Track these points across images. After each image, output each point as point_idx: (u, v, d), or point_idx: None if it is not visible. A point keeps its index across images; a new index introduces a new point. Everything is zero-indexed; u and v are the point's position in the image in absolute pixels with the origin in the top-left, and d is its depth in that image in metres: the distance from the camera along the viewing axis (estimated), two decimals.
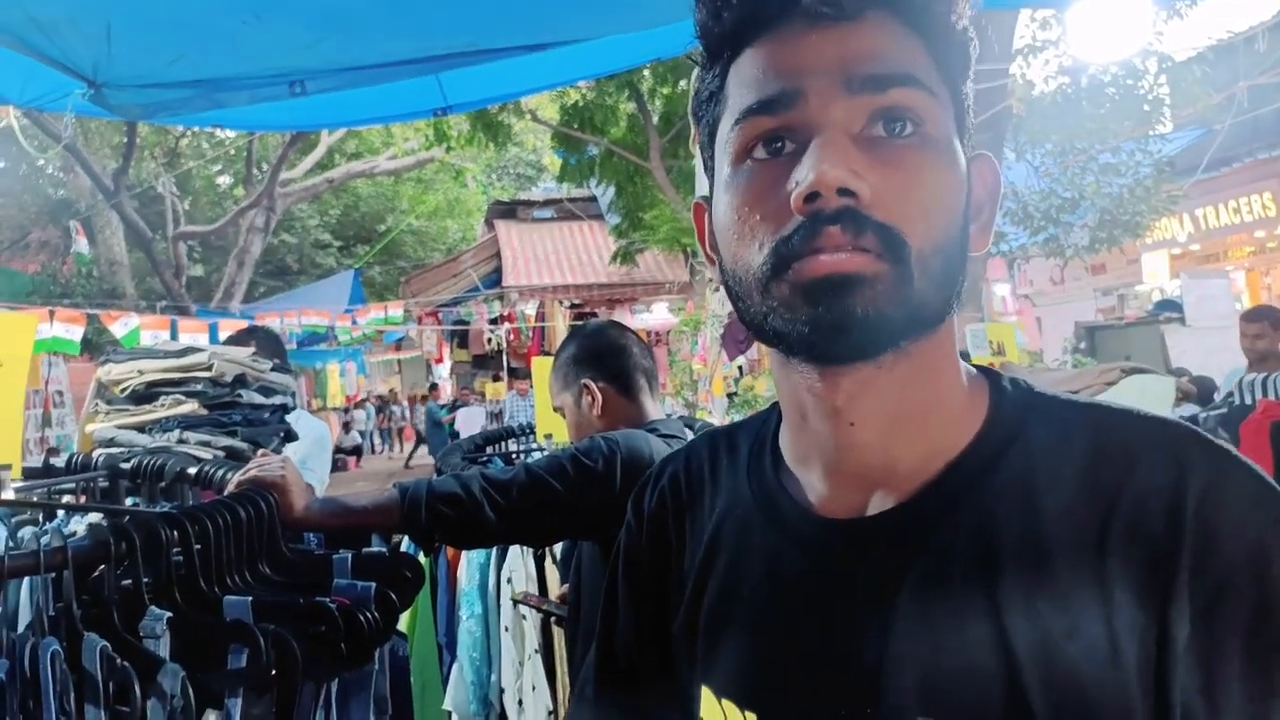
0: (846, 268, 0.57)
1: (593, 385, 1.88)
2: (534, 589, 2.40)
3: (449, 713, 2.49)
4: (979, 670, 0.57)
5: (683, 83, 9.47)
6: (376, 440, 21.10)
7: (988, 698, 0.56)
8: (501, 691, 2.44)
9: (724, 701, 0.68)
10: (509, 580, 2.42)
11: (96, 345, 9.05)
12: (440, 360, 17.85)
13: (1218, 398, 4.46)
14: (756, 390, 8.39)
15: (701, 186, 0.75)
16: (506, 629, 2.43)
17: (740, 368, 9.04)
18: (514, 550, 2.44)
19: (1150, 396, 3.24)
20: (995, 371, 0.69)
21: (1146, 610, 0.55)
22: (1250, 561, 0.54)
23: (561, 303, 16.13)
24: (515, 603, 2.35)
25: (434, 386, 17.14)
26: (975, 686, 0.56)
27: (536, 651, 2.35)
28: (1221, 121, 8.83)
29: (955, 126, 0.63)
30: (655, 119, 10.83)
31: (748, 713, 0.66)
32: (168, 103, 3.38)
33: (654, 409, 1.92)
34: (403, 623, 2.58)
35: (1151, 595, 0.55)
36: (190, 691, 1.03)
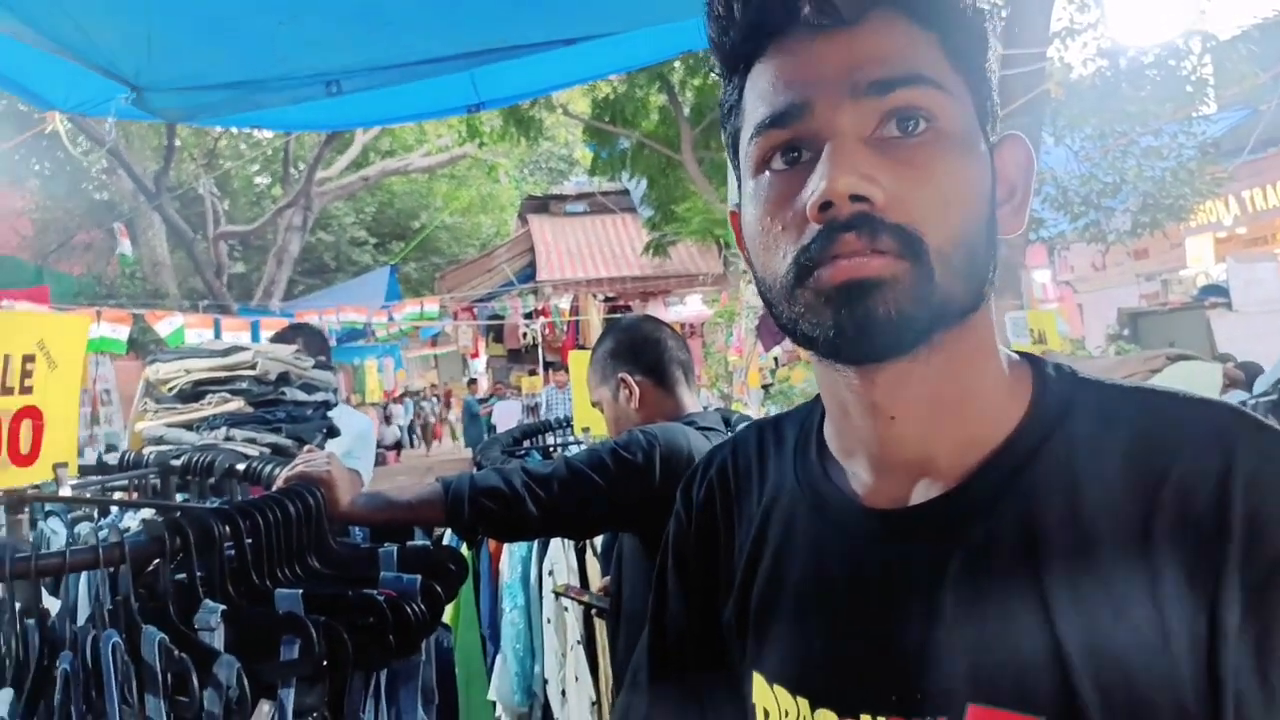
0: (865, 272, 0.58)
1: (629, 379, 1.89)
2: (575, 581, 2.42)
3: (493, 703, 2.51)
4: (1027, 656, 0.57)
5: (714, 74, 9.42)
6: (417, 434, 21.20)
7: (1037, 684, 0.56)
8: (545, 682, 2.46)
9: (775, 687, 0.69)
10: (550, 573, 2.45)
11: (141, 344, 9.23)
12: (476, 355, 17.97)
13: (1265, 384, 4.37)
14: (793, 381, 8.35)
15: (734, 194, 0.76)
16: (549, 621, 2.45)
17: (776, 359, 9.00)
18: (555, 543, 2.46)
19: (1196, 384, 3.18)
20: (1038, 358, 0.69)
21: (1196, 595, 0.55)
22: None
23: (595, 296, 16.17)
24: (557, 595, 2.37)
25: (472, 381, 17.28)
26: (1024, 672, 0.57)
27: (579, 643, 2.37)
28: (1268, 101, 8.63)
29: (975, 114, 0.64)
30: (686, 111, 10.81)
31: (799, 698, 0.67)
32: (207, 105, 3.44)
33: (691, 402, 1.93)
34: (447, 615, 2.61)
35: (1201, 580, 0.55)
36: (245, 682, 1.06)
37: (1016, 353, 0.70)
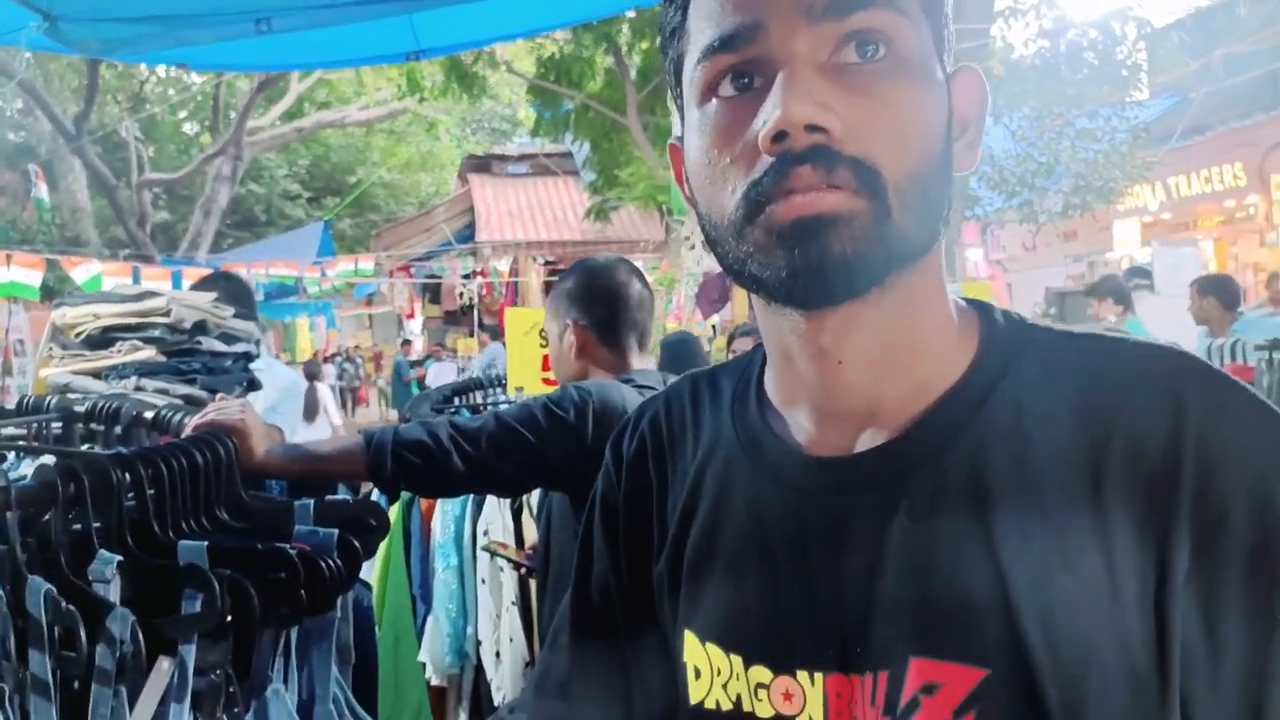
0: (820, 208, 0.55)
1: (576, 327, 1.83)
2: (511, 542, 2.37)
3: (423, 664, 2.47)
4: (973, 607, 0.55)
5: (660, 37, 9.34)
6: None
7: (983, 635, 0.55)
8: (479, 644, 2.43)
9: (708, 645, 0.66)
10: (485, 533, 2.40)
11: (58, 292, 8.87)
12: (411, 316, 17.70)
13: None
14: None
15: (676, 127, 0.71)
16: (483, 581, 2.41)
17: (714, 326, 9.03)
18: (490, 502, 2.41)
19: None
20: (987, 304, 0.66)
21: (1145, 542, 0.54)
22: (1251, 492, 0.53)
23: (535, 259, 16.01)
24: (490, 554, 2.33)
25: (406, 342, 17.00)
26: (969, 624, 0.55)
27: (514, 604, 2.33)
28: (1197, 89, 8.87)
29: (932, 42, 0.59)
30: (633, 74, 10.69)
31: (732, 655, 0.64)
32: (127, 39, 3.27)
33: (637, 359, 1.86)
34: (375, 574, 2.56)
35: (1151, 527, 0.54)
36: (140, 637, 0.99)
37: (965, 300, 0.67)
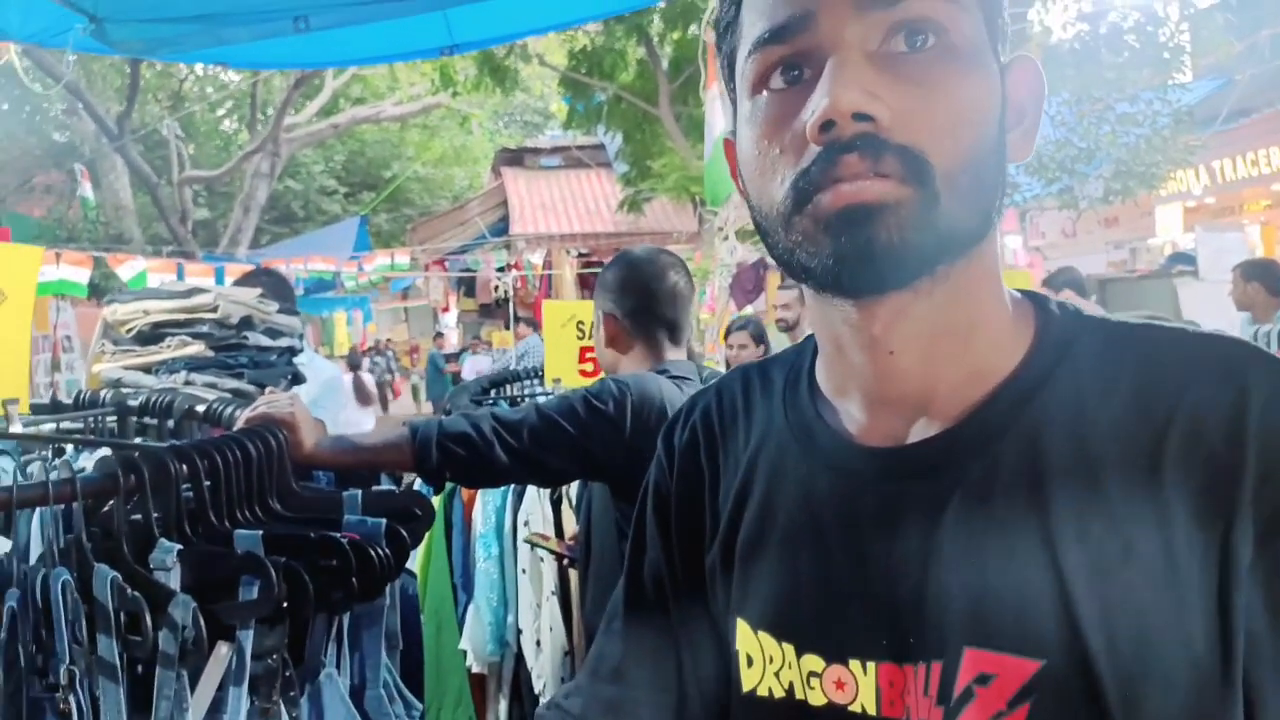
0: (866, 196, 0.55)
1: (611, 319, 1.85)
2: (550, 532, 2.40)
3: (465, 652, 2.51)
4: (1029, 597, 0.55)
5: (693, 27, 9.30)
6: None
7: (1039, 626, 0.54)
8: (519, 633, 2.47)
9: (760, 633, 0.67)
10: (526, 523, 2.44)
11: (103, 290, 9.04)
12: (447, 309, 17.81)
13: None
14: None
15: (729, 122, 0.72)
16: (524, 571, 2.45)
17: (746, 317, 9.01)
18: (531, 493, 2.45)
19: None
20: (1041, 295, 0.66)
21: (1207, 531, 0.53)
22: None
23: (569, 251, 16.05)
24: (531, 545, 2.36)
25: (439, 335, 17.12)
26: (1025, 614, 0.55)
27: (553, 594, 2.36)
28: (1243, 71, 8.67)
29: (985, 30, 0.59)
30: (665, 65, 10.66)
31: (784, 643, 0.65)
32: (169, 38, 3.33)
33: (671, 351, 1.87)
34: (418, 564, 2.61)
35: (1212, 515, 0.53)
36: (201, 622, 1.03)
37: (1019, 290, 0.66)
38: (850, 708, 0.61)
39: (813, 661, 0.63)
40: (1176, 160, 8.62)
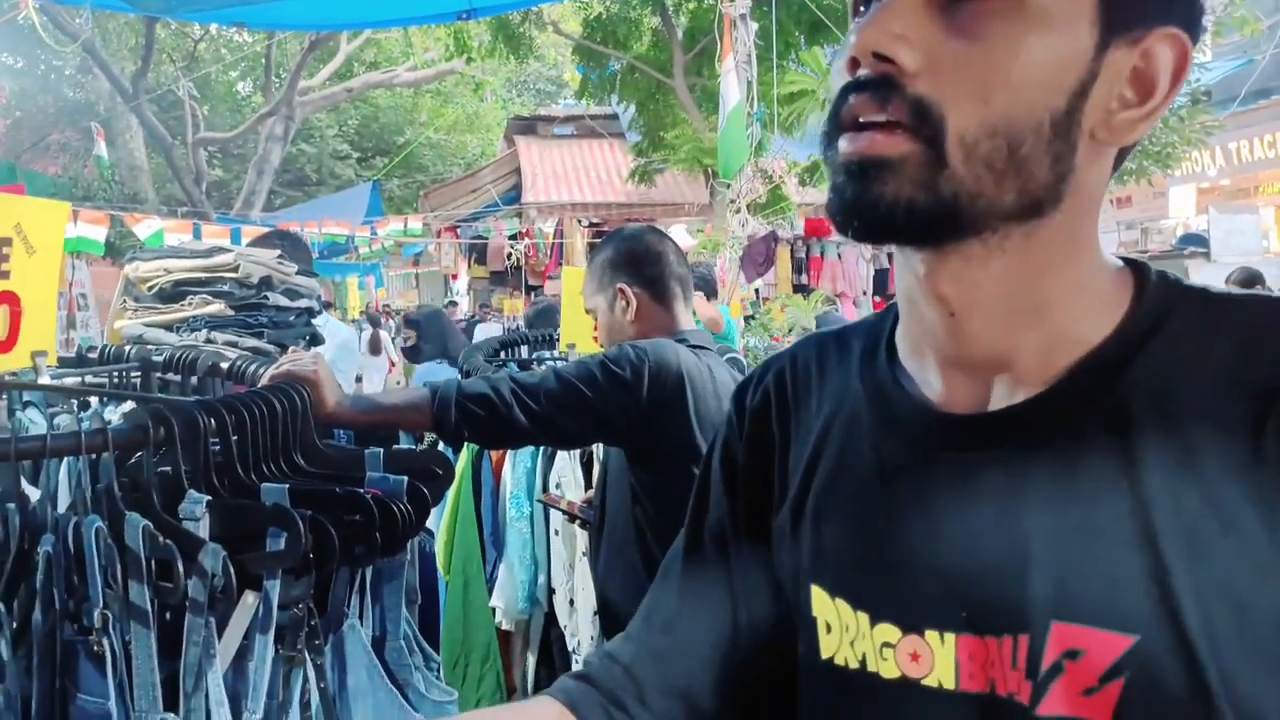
0: (870, 150, 0.55)
1: (628, 290, 1.86)
2: (582, 493, 2.43)
3: (494, 609, 2.56)
4: (1120, 571, 0.53)
5: None
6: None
7: (1132, 601, 0.52)
8: (551, 591, 2.52)
9: (837, 600, 0.65)
10: (558, 485, 2.47)
11: (119, 249, 9.08)
12: (457, 276, 17.81)
13: None
14: (773, 315, 8.36)
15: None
16: (556, 532, 2.50)
17: (757, 290, 8.98)
18: (561, 456, 2.49)
19: None
20: (1143, 263, 0.63)
21: None
22: None
23: (580, 221, 16.00)
24: (544, 506, 2.41)
25: (452, 304, 17.13)
26: (1118, 588, 0.53)
27: (584, 554, 2.40)
28: (1263, 51, 8.56)
29: (1092, 1, 0.55)
30: (680, 35, 10.58)
31: (859, 612, 0.63)
32: None
33: (686, 318, 1.91)
34: (443, 522, 2.65)
35: None
36: (231, 570, 1.05)
37: (1122, 258, 0.64)
38: (925, 681, 0.59)
39: (887, 631, 0.62)
40: (1192, 140, 8.54)
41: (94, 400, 1.76)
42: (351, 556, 1.19)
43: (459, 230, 15.53)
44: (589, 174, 16.80)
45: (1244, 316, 0.56)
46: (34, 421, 1.72)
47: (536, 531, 2.54)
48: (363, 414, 1.55)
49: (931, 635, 0.59)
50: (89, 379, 1.89)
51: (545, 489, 2.50)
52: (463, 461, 2.63)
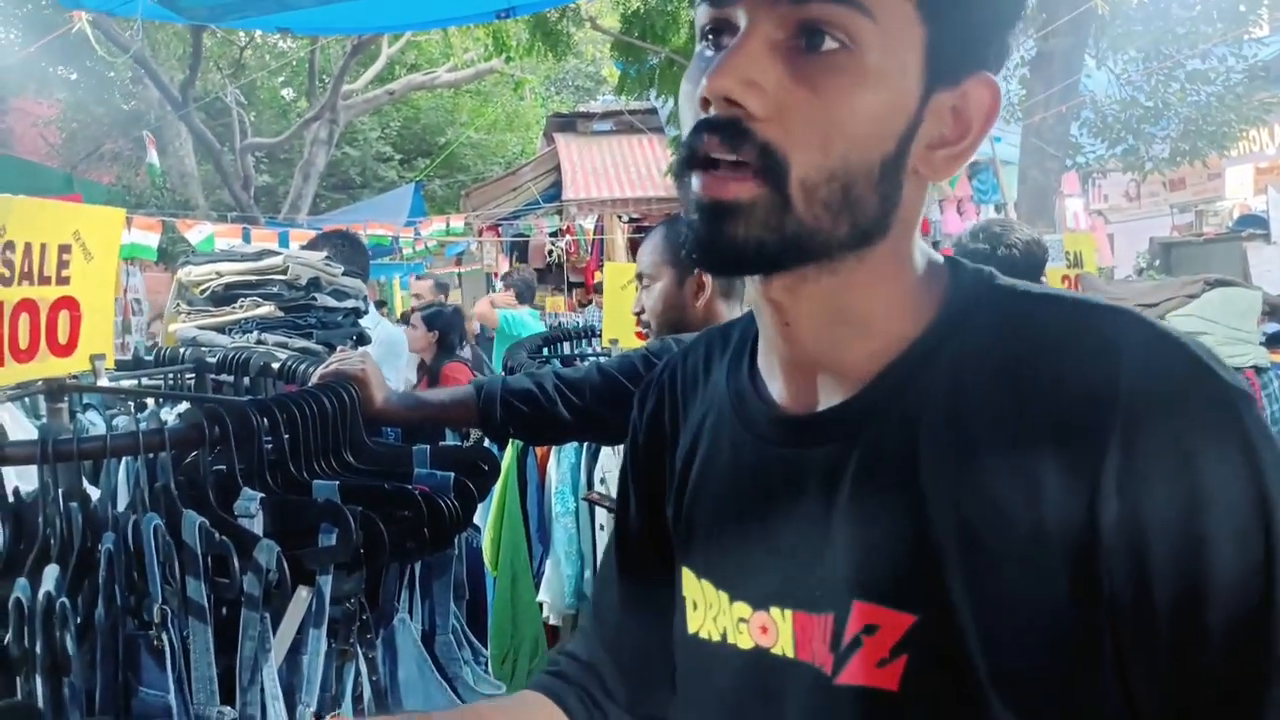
0: (724, 194, 0.59)
1: (709, 280, 1.87)
2: None
3: (542, 604, 2.58)
4: (904, 556, 0.59)
5: None
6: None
7: (913, 582, 0.58)
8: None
9: (703, 581, 0.73)
10: (602, 481, 2.48)
11: (171, 255, 9.27)
12: (499, 275, 17.94)
13: None
14: None
15: None
16: (602, 527, 2.51)
17: None
18: (606, 451, 2.50)
19: (1235, 309, 3.10)
20: (960, 262, 0.68)
21: (1072, 498, 0.54)
22: (1178, 454, 0.53)
23: (620, 217, 16.03)
24: (590, 504, 2.41)
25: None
26: (901, 571, 0.59)
27: None
28: None
29: (921, 49, 0.59)
30: None
31: (721, 591, 0.71)
32: (235, 5, 3.39)
33: (735, 308, 1.91)
34: (490, 518, 2.68)
35: (1078, 482, 0.54)
36: (285, 566, 1.08)
37: (942, 258, 0.68)
38: (773, 650, 0.67)
39: (742, 608, 0.69)
40: (1250, 119, 8.29)
41: (150, 401, 1.80)
42: (402, 551, 1.22)
43: (500, 229, 15.64)
44: (629, 170, 16.81)
45: (1035, 316, 0.61)
46: (94, 423, 1.77)
47: (582, 527, 2.55)
48: (410, 411, 1.57)
49: (775, 611, 0.67)
50: (145, 381, 1.94)
51: (590, 485, 2.51)
52: (508, 458, 2.65)
